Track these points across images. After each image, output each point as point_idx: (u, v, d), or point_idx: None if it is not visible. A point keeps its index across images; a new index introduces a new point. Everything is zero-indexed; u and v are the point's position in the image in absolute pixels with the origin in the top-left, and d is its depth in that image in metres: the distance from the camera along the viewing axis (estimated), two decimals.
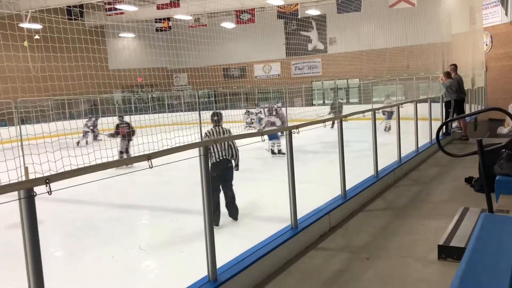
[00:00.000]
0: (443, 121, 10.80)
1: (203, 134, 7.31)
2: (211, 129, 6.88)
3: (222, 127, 6.94)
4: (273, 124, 13.60)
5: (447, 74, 10.98)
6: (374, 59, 25.31)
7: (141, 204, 8.05)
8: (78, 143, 17.30)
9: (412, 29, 23.50)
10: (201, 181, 3.64)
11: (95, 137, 18.78)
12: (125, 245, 5.76)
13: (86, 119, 19.71)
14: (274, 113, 14.82)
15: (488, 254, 2.40)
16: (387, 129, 16.48)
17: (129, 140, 12.30)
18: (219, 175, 6.48)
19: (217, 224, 6.17)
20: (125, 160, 2.94)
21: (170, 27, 24.45)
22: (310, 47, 28.87)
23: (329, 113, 19.73)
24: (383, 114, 16.63)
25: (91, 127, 19.14)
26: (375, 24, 25.33)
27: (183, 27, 23.60)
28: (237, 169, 6.84)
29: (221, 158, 6.50)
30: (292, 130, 4.99)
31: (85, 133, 18.78)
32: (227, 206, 6.69)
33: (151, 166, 3.13)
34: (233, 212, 6.73)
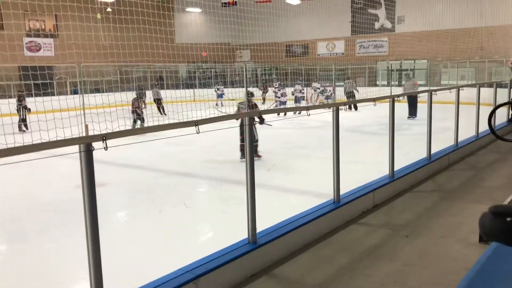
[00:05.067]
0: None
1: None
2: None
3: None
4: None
5: None
6: (445, 39, 24.11)
7: (197, 173, 8.43)
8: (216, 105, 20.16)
9: (489, 7, 22.07)
10: (245, 148, 3.88)
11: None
12: (177, 207, 6.13)
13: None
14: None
15: None
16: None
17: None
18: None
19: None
20: (174, 125, 3.21)
21: (236, 2, 24.70)
22: (377, 25, 28.00)
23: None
24: (295, 100, 19.92)
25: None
26: (447, 2, 24.06)
27: (249, 3, 23.73)
28: None
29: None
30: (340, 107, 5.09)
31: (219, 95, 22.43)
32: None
33: (198, 132, 3.39)
34: None
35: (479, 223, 1.15)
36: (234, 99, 9.00)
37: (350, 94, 18.93)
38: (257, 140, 8.91)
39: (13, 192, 7.03)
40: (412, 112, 15.62)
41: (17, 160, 2.56)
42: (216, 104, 21.32)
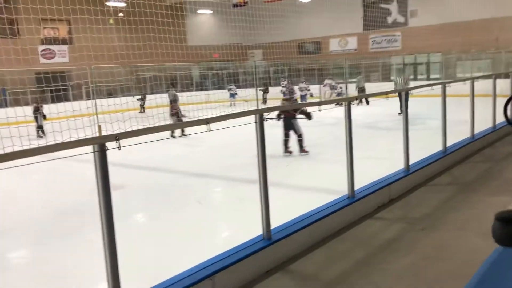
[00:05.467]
0: None
1: None
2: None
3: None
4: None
5: None
6: (459, 32, 23.76)
7: (211, 173, 8.46)
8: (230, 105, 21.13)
9: None
10: (257, 146, 3.89)
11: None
12: (192, 207, 6.18)
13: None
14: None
15: None
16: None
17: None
18: None
19: None
20: (184, 123, 3.24)
21: (246, 2, 24.70)
22: (389, 20, 27.75)
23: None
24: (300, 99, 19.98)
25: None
26: None
27: (259, 2, 23.73)
28: None
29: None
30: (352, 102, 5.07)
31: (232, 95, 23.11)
32: None
33: (209, 130, 3.42)
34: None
35: (491, 230, 1.11)
36: (247, 100, 8.98)
37: (361, 89, 19.91)
38: (301, 135, 8.93)
39: (31, 196, 7.16)
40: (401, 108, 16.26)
41: (34, 161, 2.62)
42: (230, 105, 21.44)
